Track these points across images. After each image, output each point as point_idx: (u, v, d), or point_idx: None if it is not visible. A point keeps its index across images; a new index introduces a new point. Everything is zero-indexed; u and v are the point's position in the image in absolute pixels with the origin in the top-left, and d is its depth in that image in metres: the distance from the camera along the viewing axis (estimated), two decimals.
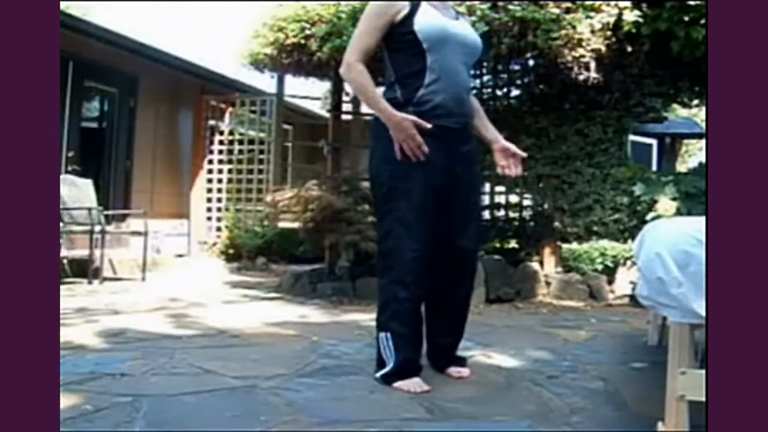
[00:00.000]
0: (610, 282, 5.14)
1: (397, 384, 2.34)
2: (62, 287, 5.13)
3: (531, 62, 5.57)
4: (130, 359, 2.68)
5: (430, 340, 2.58)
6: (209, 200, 8.74)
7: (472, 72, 2.74)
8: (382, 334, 2.41)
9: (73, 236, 5.98)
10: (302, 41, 5.05)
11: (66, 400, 2.01)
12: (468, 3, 4.64)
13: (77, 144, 7.23)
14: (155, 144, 8.48)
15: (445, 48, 2.39)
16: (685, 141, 13.34)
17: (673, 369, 1.61)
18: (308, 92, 8.41)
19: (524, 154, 2.59)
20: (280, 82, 7.45)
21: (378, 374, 2.42)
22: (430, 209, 2.38)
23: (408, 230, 2.35)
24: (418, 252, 2.36)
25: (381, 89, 2.47)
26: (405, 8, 2.37)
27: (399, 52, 2.40)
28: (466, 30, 2.52)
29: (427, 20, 2.37)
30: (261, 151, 8.51)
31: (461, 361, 2.64)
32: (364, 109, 6.52)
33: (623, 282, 5.03)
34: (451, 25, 2.45)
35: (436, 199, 2.39)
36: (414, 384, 2.33)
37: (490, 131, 2.63)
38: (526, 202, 5.99)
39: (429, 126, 2.33)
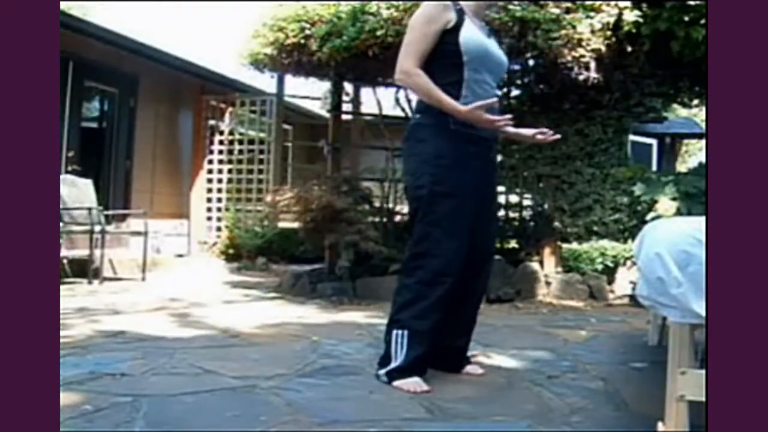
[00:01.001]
0: (610, 282, 5.14)
1: (397, 383, 2.35)
2: (62, 287, 5.13)
3: (531, 62, 5.57)
4: (130, 359, 2.68)
5: (444, 344, 2.56)
6: (209, 200, 8.74)
7: None
8: (398, 331, 2.41)
9: (73, 236, 5.98)
10: (302, 41, 5.05)
11: (66, 400, 2.01)
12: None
13: (77, 144, 7.23)
14: (155, 144, 8.48)
15: (483, 66, 2.47)
16: (685, 141, 13.34)
17: (673, 369, 1.61)
18: (308, 92, 8.39)
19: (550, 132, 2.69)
20: (280, 82, 7.45)
21: (382, 371, 2.42)
22: (467, 211, 2.45)
23: (447, 233, 2.41)
24: (455, 254, 2.41)
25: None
26: (453, 19, 2.42)
27: (437, 61, 2.43)
28: (498, 50, 2.60)
29: (471, 36, 2.44)
30: (261, 151, 8.51)
31: (470, 360, 2.69)
32: (364, 109, 6.54)
33: (623, 282, 5.03)
34: (489, 44, 2.53)
35: (471, 202, 2.46)
36: (414, 384, 2.33)
37: (521, 131, 2.73)
38: (526, 202, 5.99)
39: (489, 102, 2.40)
